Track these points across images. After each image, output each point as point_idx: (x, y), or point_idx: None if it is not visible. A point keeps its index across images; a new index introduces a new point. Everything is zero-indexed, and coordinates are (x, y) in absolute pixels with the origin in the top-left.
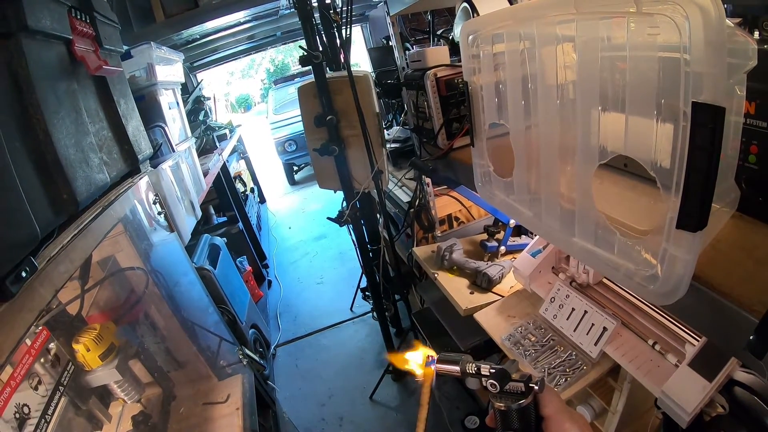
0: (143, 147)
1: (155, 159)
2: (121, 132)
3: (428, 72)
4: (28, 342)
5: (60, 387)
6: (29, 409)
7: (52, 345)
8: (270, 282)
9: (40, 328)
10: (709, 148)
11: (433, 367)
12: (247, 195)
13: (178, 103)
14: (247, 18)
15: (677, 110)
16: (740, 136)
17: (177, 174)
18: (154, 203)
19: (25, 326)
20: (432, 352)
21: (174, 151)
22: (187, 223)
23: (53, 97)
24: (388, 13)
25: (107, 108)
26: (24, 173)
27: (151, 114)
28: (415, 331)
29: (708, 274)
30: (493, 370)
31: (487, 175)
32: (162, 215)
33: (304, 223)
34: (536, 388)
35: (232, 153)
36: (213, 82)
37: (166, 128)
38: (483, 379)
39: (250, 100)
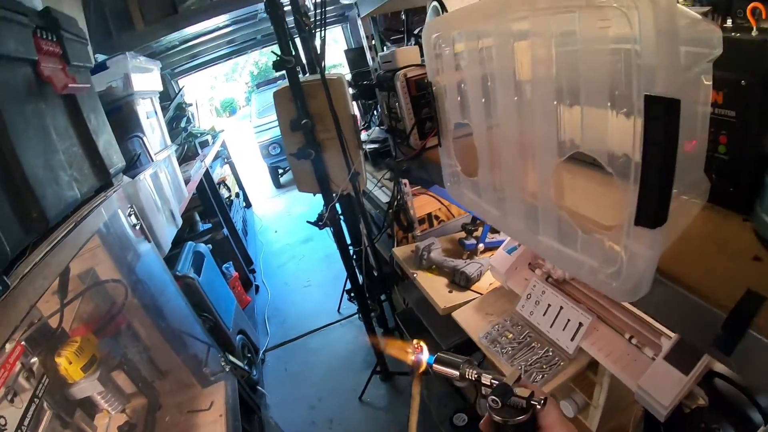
0: (115, 161)
1: (134, 169)
2: (92, 147)
3: (398, 72)
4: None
5: (35, 399)
6: (5, 420)
7: (33, 359)
8: (257, 287)
9: (14, 343)
10: (665, 141)
11: (429, 366)
12: (232, 200)
13: (156, 112)
14: (227, 22)
15: (631, 105)
16: (708, 127)
17: (156, 183)
18: (130, 215)
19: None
20: (422, 343)
21: (153, 160)
22: (167, 232)
23: (20, 118)
24: (359, 15)
25: (77, 124)
26: None
27: (129, 124)
28: (400, 331)
29: (676, 269)
30: (495, 381)
31: (456, 174)
32: (138, 227)
33: (290, 225)
34: (538, 406)
35: (215, 158)
36: (197, 86)
37: (144, 138)
38: (483, 388)
39: (235, 104)
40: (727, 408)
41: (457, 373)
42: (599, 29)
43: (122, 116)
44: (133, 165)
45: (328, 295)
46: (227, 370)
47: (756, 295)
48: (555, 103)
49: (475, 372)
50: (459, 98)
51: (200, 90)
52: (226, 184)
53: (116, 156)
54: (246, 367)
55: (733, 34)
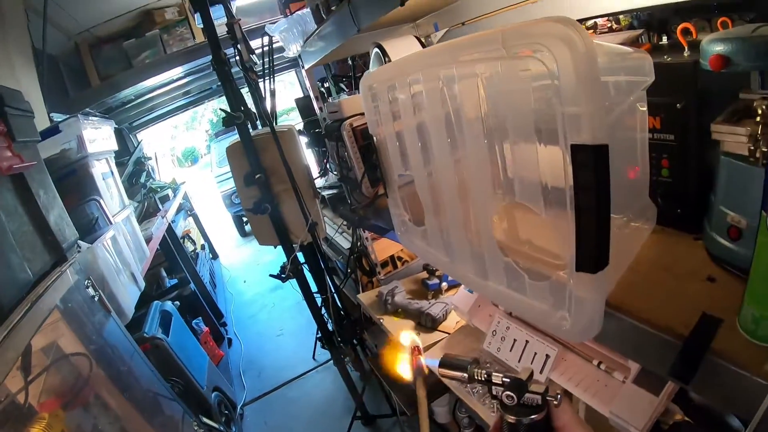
0: (68, 234)
1: (92, 234)
2: (43, 224)
3: (345, 122)
4: None
5: None
6: None
7: None
8: (230, 340)
9: None
10: (596, 186)
11: (434, 370)
12: (197, 253)
13: (112, 172)
14: (181, 74)
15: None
16: (649, 152)
17: (115, 247)
18: (87, 287)
19: None
20: (418, 339)
21: (111, 223)
22: (130, 296)
23: None
24: (303, 67)
25: (26, 203)
26: None
27: (85, 187)
28: (374, 375)
29: (627, 302)
30: (507, 380)
31: (405, 224)
32: (96, 298)
33: (258, 275)
34: (555, 402)
35: (178, 212)
36: (157, 137)
37: (101, 201)
38: (494, 387)
39: (197, 153)
40: (706, 420)
41: (465, 374)
42: (522, 77)
43: (77, 180)
44: (91, 229)
45: (301, 342)
46: None
47: (712, 318)
48: (487, 149)
49: (484, 371)
50: (399, 148)
51: (161, 141)
52: (190, 237)
53: (69, 229)
54: (221, 427)
55: (665, 58)
